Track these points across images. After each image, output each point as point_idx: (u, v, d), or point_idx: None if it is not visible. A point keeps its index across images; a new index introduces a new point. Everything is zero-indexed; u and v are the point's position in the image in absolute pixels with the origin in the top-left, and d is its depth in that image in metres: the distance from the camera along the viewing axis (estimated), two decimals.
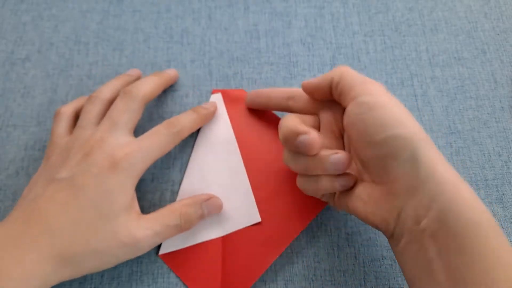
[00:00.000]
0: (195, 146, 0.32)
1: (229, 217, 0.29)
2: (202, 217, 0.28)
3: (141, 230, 0.25)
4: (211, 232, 0.29)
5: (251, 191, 0.30)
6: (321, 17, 0.38)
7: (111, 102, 0.30)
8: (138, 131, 0.33)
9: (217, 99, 0.34)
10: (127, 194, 0.25)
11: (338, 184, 0.24)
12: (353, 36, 0.37)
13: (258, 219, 0.29)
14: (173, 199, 0.31)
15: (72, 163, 0.25)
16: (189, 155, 0.32)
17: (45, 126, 0.33)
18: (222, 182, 0.30)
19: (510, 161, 0.33)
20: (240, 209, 0.29)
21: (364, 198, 0.23)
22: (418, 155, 0.21)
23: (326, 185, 0.24)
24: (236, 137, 0.32)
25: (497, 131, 0.34)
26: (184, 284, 0.28)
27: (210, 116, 0.32)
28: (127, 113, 0.27)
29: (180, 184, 0.31)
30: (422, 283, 0.20)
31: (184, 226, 0.27)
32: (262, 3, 0.39)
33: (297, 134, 0.23)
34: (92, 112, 0.28)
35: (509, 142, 0.33)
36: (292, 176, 0.31)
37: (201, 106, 0.32)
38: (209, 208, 0.28)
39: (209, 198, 0.29)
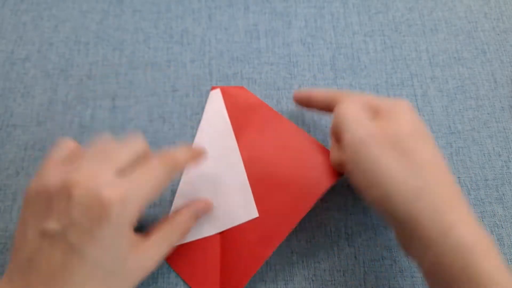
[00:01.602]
0: (194, 143, 0.32)
1: (227, 213, 0.30)
2: (196, 221, 0.29)
3: (150, 260, 0.24)
4: (209, 228, 0.29)
5: (249, 186, 0.30)
6: (321, 17, 0.38)
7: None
8: (139, 131, 0.33)
9: (216, 95, 0.34)
10: (127, 238, 0.23)
11: None
12: (353, 36, 0.37)
13: (256, 214, 0.29)
14: (172, 198, 0.31)
15: (57, 209, 0.22)
16: None
17: (45, 126, 0.33)
18: (221, 179, 0.30)
19: (510, 161, 0.33)
20: (238, 205, 0.30)
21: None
22: (399, 215, 0.22)
23: None
24: (235, 133, 0.32)
25: (497, 131, 0.34)
26: (183, 283, 0.28)
27: (201, 155, 0.28)
28: (153, 179, 0.24)
29: (179, 181, 0.31)
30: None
31: (185, 237, 0.28)
32: (262, 3, 0.39)
33: (342, 168, 0.27)
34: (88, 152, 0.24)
35: (509, 142, 0.33)
36: (291, 170, 0.30)
37: (192, 147, 0.30)
38: (204, 212, 0.29)
39: (203, 205, 0.29)
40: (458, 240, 0.20)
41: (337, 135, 0.26)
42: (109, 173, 0.22)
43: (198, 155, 0.28)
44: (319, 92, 0.30)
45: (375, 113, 0.25)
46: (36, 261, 0.21)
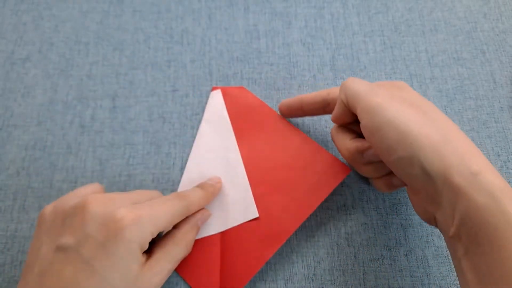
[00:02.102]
0: (195, 143, 0.32)
1: (227, 213, 0.30)
2: (197, 231, 0.29)
3: (156, 276, 0.24)
4: (209, 228, 0.29)
5: (249, 187, 0.30)
6: (321, 17, 0.38)
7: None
8: (138, 133, 0.33)
9: (216, 96, 0.34)
10: (137, 258, 0.23)
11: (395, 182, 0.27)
12: (353, 36, 0.37)
13: (256, 214, 0.29)
14: None
15: (70, 225, 0.22)
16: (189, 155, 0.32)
17: (46, 126, 0.33)
18: (221, 178, 0.31)
19: (509, 161, 0.33)
20: (238, 205, 0.30)
21: (413, 199, 0.24)
22: (427, 169, 0.21)
23: (397, 182, 0.27)
24: (235, 134, 0.32)
25: (496, 132, 0.34)
26: (184, 282, 0.28)
27: (217, 192, 0.30)
28: (167, 211, 0.25)
29: (179, 182, 0.31)
30: (459, 280, 0.22)
31: (189, 250, 0.27)
32: (262, 3, 0.39)
33: (361, 152, 0.26)
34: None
35: (508, 142, 0.33)
36: (291, 172, 0.31)
37: (207, 182, 0.30)
38: (202, 221, 0.29)
39: (201, 215, 0.29)
40: (488, 184, 0.20)
41: (346, 112, 0.26)
42: (125, 200, 0.24)
43: (212, 195, 0.29)
44: (310, 94, 0.30)
45: (380, 86, 0.25)
46: (48, 276, 0.22)
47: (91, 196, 0.23)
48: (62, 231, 0.22)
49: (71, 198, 0.24)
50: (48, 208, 0.24)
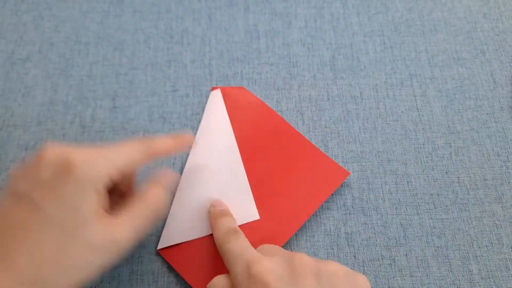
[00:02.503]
0: (194, 144, 0.32)
1: None
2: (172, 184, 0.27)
3: (120, 233, 0.23)
4: (209, 228, 0.29)
5: (250, 188, 0.30)
6: (321, 17, 0.38)
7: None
8: (139, 131, 0.33)
9: (216, 96, 0.34)
10: (90, 202, 0.22)
11: None
12: (353, 36, 0.37)
13: (256, 216, 0.29)
14: (172, 198, 0.31)
15: (27, 173, 0.22)
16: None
17: (46, 126, 0.33)
18: (221, 179, 0.31)
19: (509, 161, 0.33)
20: (239, 207, 0.30)
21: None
22: None
23: None
24: (235, 134, 0.32)
25: (496, 131, 0.34)
26: (184, 282, 0.28)
27: (185, 144, 0.29)
28: (125, 150, 0.24)
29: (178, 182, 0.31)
30: None
31: (157, 211, 0.25)
32: (262, 3, 0.39)
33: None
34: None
35: (508, 142, 0.33)
36: (291, 174, 0.31)
37: (180, 134, 0.29)
38: (173, 183, 0.27)
39: (170, 176, 0.27)
40: None
41: None
42: (82, 148, 0.23)
43: (180, 145, 0.28)
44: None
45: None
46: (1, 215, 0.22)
47: (48, 145, 0.23)
48: (19, 180, 0.22)
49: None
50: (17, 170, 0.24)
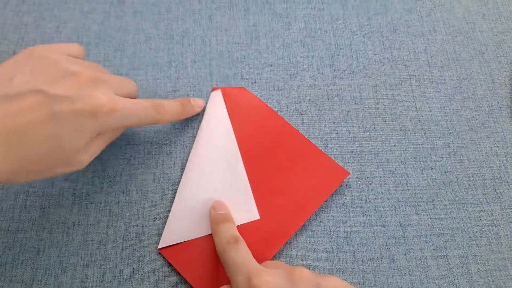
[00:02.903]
0: (195, 143, 0.32)
1: None
2: (181, 109, 0.31)
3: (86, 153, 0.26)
4: (210, 228, 0.29)
5: (250, 188, 0.30)
6: (320, 18, 0.38)
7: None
8: (139, 133, 0.34)
9: (216, 96, 0.34)
10: (80, 139, 0.24)
11: None
12: (352, 37, 0.38)
13: (256, 216, 0.30)
14: (173, 197, 0.31)
15: (65, 84, 0.24)
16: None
17: None
18: (221, 179, 0.31)
19: (507, 161, 0.33)
20: (239, 206, 0.30)
21: None
22: None
23: None
24: (235, 134, 0.32)
25: (495, 131, 0.34)
26: (184, 281, 0.29)
27: (193, 112, 0.33)
28: (147, 113, 0.27)
29: (179, 181, 0.32)
30: None
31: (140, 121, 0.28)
32: (262, 4, 0.39)
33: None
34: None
35: (506, 142, 0.33)
36: (291, 174, 0.31)
37: (190, 102, 0.32)
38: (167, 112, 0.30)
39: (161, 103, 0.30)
40: None
41: None
42: (111, 86, 0.26)
43: (187, 113, 0.32)
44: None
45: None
46: (13, 102, 0.23)
47: (96, 75, 0.25)
48: (54, 82, 0.24)
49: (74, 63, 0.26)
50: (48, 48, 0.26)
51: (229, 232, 0.27)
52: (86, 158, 0.26)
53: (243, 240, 0.27)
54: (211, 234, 0.29)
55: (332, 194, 0.31)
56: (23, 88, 0.23)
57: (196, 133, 0.33)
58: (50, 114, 0.23)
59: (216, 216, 0.29)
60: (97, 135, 0.26)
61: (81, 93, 0.24)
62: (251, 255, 0.26)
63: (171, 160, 0.33)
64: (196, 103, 0.33)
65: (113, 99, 0.25)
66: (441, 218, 0.31)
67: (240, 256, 0.25)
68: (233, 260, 0.25)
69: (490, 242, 0.30)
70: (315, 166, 0.31)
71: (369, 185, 0.32)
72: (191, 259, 0.29)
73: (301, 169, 0.31)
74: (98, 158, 0.33)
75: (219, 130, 0.33)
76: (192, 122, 0.34)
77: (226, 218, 0.29)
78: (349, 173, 0.31)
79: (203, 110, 0.34)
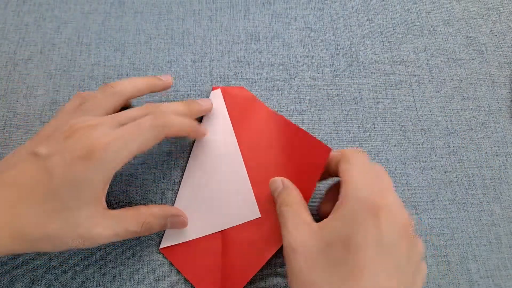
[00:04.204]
0: (195, 143, 0.32)
1: (229, 212, 0.30)
2: (163, 228, 0.28)
3: (101, 228, 0.24)
4: (211, 227, 0.30)
5: (251, 186, 0.30)
6: (320, 18, 0.39)
7: (127, 98, 0.28)
8: None
9: (216, 95, 0.34)
10: (95, 187, 0.24)
11: None
12: (352, 37, 0.38)
13: (257, 214, 0.30)
14: (174, 197, 0.31)
15: (53, 141, 0.24)
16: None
17: None
18: (222, 178, 0.31)
19: (507, 161, 0.33)
20: (240, 205, 0.30)
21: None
22: None
23: None
24: (236, 134, 0.32)
25: (495, 131, 0.34)
26: (185, 280, 0.29)
27: (202, 114, 0.32)
28: (145, 136, 0.25)
29: (180, 180, 0.32)
30: None
31: (143, 233, 0.27)
32: (262, 4, 0.39)
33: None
34: (101, 101, 0.27)
35: (506, 142, 0.34)
36: (290, 172, 0.31)
37: (196, 102, 0.31)
38: (174, 224, 0.29)
39: (178, 215, 0.29)
40: None
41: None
42: (107, 124, 0.25)
43: (195, 130, 0.29)
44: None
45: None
46: (13, 169, 0.24)
47: (77, 125, 0.25)
48: (42, 143, 0.25)
49: (63, 119, 0.26)
50: (44, 129, 0.27)
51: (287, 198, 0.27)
52: (99, 230, 0.24)
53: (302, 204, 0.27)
54: (212, 233, 0.29)
55: None
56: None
57: None
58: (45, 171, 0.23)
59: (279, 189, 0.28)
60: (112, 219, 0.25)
61: (68, 144, 0.24)
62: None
63: (171, 160, 0.33)
64: (203, 102, 0.32)
65: (105, 134, 0.24)
66: (441, 218, 0.31)
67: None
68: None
69: (490, 242, 0.30)
70: (315, 160, 0.30)
71: None
72: (192, 258, 0.29)
73: (301, 164, 0.31)
74: None
75: (220, 129, 0.33)
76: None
77: (287, 186, 0.29)
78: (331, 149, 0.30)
79: None
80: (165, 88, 0.31)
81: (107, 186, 0.25)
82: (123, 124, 0.25)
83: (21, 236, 0.23)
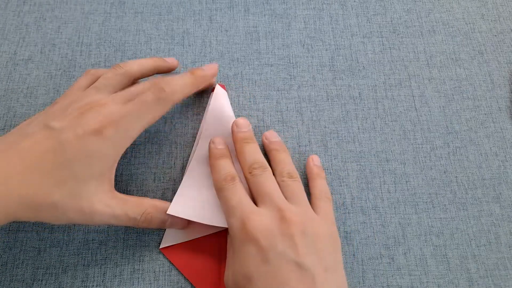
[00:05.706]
0: (196, 143, 0.32)
1: None
2: (162, 224, 0.28)
3: (102, 205, 0.25)
4: (211, 227, 0.29)
5: None
6: (320, 19, 0.39)
7: (134, 78, 0.29)
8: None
9: (220, 92, 0.33)
10: (104, 162, 0.25)
11: None
12: (352, 37, 0.38)
13: None
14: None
15: (67, 117, 0.25)
16: (191, 155, 0.33)
17: None
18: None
19: (507, 161, 0.33)
20: None
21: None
22: None
23: None
24: None
25: (494, 131, 0.34)
26: (185, 280, 0.29)
27: (207, 80, 0.31)
28: (151, 109, 0.26)
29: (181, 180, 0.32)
30: None
31: (141, 224, 0.27)
32: (262, 5, 0.39)
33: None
34: (111, 80, 0.28)
35: (505, 142, 0.34)
36: None
37: (199, 67, 0.31)
38: (174, 223, 0.29)
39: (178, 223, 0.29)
40: None
41: None
42: (117, 101, 0.26)
43: (199, 81, 0.30)
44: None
45: None
46: (27, 140, 0.24)
47: (91, 103, 0.26)
48: (55, 117, 0.25)
49: (77, 96, 0.27)
50: (57, 102, 0.27)
51: (227, 168, 0.28)
52: (100, 207, 0.25)
53: (238, 178, 0.28)
54: (212, 233, 0.29)
55: (332, 194, 0.32)
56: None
57: (196, 133, 0.33)
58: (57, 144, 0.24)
59: (216, 150, 0.30)
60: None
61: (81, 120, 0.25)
62: (246, 194, 0.27)
63: (171, 160, 0.33)
64: (206, 67, 0.31)
65: (115, 111, 0.25)
66: (441, 218, 0.31)
67: (236, 197, 0.26)
68: (228, 201, 0.26)
69: (490, 242, 0.30)
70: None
71: (369, 185, 0.32)
72: (192, 258, 0.29)
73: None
74: None
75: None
76: (192, 122, 0.34)
77: (225, 154, 0.30)
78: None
79: (203, 111, 0.34)
80: (170, 70, 0.32)
81: (116, 165, 0.26)
82: (130, 100, 0.27)
83: (27, 203, 0.23)
